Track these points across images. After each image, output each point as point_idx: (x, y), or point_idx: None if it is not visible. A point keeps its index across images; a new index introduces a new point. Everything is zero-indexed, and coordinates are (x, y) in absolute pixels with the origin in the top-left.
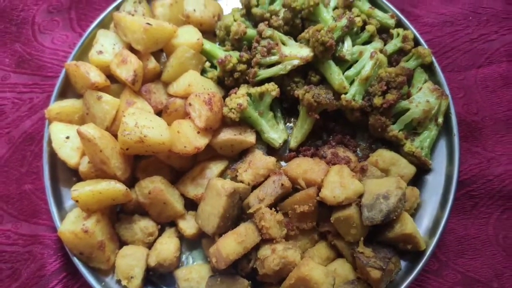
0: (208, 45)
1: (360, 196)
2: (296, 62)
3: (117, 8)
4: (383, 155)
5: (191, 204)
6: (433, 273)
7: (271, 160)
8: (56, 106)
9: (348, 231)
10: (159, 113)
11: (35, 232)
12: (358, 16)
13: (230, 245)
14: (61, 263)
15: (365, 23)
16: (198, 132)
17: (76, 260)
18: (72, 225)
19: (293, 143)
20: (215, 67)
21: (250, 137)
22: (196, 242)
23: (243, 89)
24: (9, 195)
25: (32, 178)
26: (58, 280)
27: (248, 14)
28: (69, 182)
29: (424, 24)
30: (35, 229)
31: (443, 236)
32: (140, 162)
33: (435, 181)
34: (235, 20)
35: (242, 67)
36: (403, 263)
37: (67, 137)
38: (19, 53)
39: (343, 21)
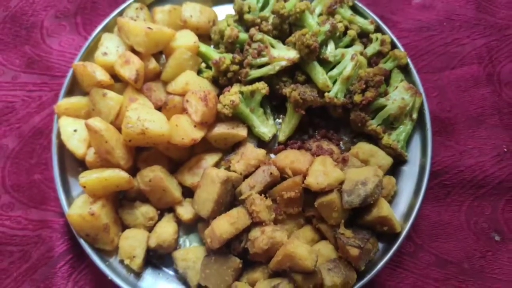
0: (204, 48)
1: (341, 183)
2: (283, 63)
3: (121, 13)
4: (363, 147)
5: (188, 192)
6: (410, 255)
7: (262, 152)
8: (64, 102)
9: (330, 215)
10: (159, 109)
11: (44, 218)
12: (340, 22)
13: (224, 226)
14: (68, 246)
15: (347, 28)
16: (195, 126)
17: (82, 242)
18: (79, 209)
19: (281, 137)
20: (210, 68)
21: (242, 131)
22: (193, 227)
23: (235, 88)
24: (19, 185)
25: (41, 168)
26: (65, 261)
27: (240, 19)
28: (76, 172)
29: (402, 30)
30: (43, 215)
31: (419, 222)
32: (142, 153)
33: (410, 171)
34: (228, 25)
35: (234, 67)
36: (381, 245)
37: (75, 130)
38: (29, 55)
39: (326, 26)
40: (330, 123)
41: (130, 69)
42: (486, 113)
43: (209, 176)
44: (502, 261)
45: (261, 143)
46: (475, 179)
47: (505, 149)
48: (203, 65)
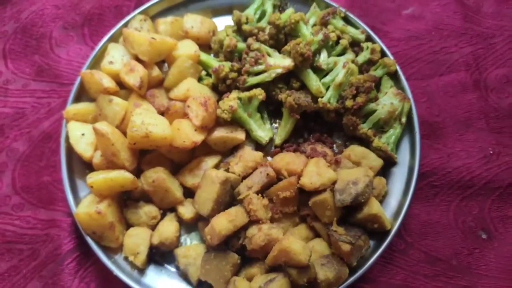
0: (204, 57)
1: (334, 183)
2: (279, 70)
3: (126, 25)
4: (355, 150)
5: (189, 193)
6: (400, 252)
7: (259, 154)
8: (72, 108)
9: (323, 213)
10: (161, 114)
11: (52, 217)
12: (333, 32)
13: (222, 223)
14: (75, 244)
15: (339, 38)
16: (195, 130)
17: (89, 239)
18: (86, 208)
19: (278, 141)
20: (210, 75)
21: (240, 135)
22: (193, 226)
23: (234, 94)
24: (29, 186)
25: (50, 171)
26: (72, 258)
27: (238, 30)
28: (83, 174)
29: (392, 39)
30: (52, 214)
31: (409, 221)
32: (145, 156)
33: (399, 172)
34: (227, 35)
35: (233, 75)
36: (372, 242)
37: (83, 134)
38: (38, 64)
39: (319, 36)
40: (324, 127)
41: (135, 76)
42: (473, 117)
43: (209, 177)
44: (488, 258)
45: (258, 146)
46: (462, 180)
47: (491, 152)
48: (204, 72)
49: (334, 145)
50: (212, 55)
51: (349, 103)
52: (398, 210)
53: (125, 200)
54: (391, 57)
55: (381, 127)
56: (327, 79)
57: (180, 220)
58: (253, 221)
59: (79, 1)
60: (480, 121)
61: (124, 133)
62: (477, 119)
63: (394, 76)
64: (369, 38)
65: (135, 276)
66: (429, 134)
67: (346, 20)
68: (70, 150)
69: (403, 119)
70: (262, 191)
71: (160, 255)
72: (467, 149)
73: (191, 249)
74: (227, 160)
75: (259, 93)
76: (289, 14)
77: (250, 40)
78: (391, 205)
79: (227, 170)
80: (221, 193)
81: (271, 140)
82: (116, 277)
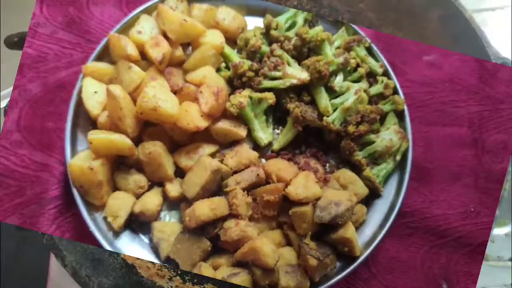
0: (228, 50)
1: (317, 199)
2: (294, 81)
3: (162, 1)
4: (345, 174)
5: (180, 173)
6: (363, 281)
7: (254, 154)
8: (92, 65)
9: (300, 225)
10: (174, 93)
11: (46, 162)
12: (354, 58)
13: (204, 209)
14: (60, 192)
15: (358, 65)
16: (202, 115)
17: (75, 191)
18: (81, 161)
19: (276, 146)
20: (229, 69)
21: (242, 131)
22: (176, 205)
23: (246, 92)
24: (32, 127)
25: (55, 118)
26: (55, 205)
27: (266, 33)
28: (86, 130)
29: (408, 80)
30: (47, 159)
31: (378, 253)
32: (148, 128)
33: (381, 205)
34: (254, 36)
35: (250, 74)
36: (338, 264)
37: (95, 92)
38: (71, 15)
39: (340, 59)
40: (322, 145)
41: (158, 51)
42: (463, 172)
43: (202, 163)
44: None
45: (256, 146)
46: (438, 229)
47: (472, 209)
48: (223, 64)
49: (327, 164)
50: (235, 50)
51: (351, 128)
52: (371, 240)
53: (119, 164)
54: (402, 96)
55: (375, 159)
56: (337, 100)
57: (165, 196)
58: (233, 215)
59: None
60: (470, 178)
61: (135, 101)
62: (467, 175)
63: (400, 114)
64: (386, 73)
65: (109, 237)
66: (418, 178)
67: (369, 50)
68: (79, 104)
69: (398, 157)
70: (249, 189)
71: (138, 224)
72: (450, 201)
73: (168, 225)
74: (223, 152)
75: (270, 97)
76: (317, 31)
77: (274, 45)
78: (366, 234)
79: (221, 161)
80: (210, 181)
81: (270, 144)
82: (90, 233)
